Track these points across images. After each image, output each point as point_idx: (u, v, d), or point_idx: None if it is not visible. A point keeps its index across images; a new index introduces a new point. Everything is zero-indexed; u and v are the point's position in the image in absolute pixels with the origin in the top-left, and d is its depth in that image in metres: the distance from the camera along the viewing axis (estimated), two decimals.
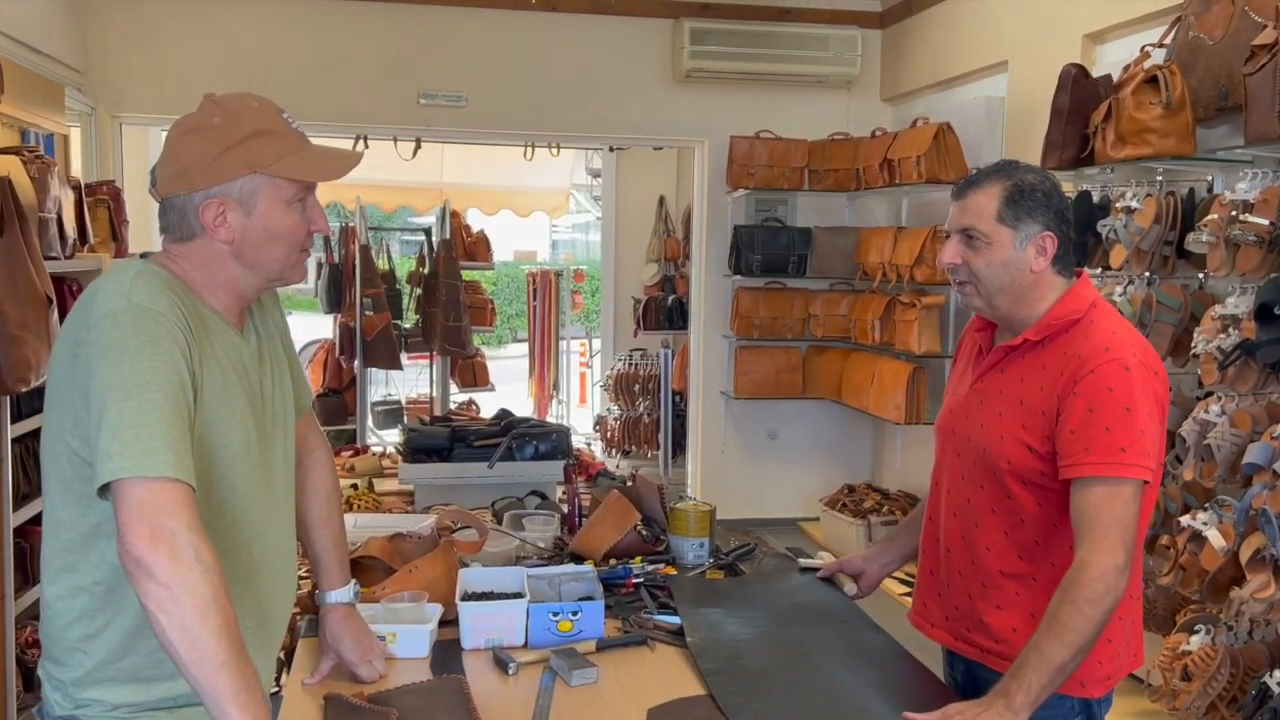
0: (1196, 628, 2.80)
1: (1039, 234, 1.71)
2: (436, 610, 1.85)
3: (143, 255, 1.46)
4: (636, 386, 6.92)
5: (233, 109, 1.43)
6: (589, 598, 1.92)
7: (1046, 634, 1.54)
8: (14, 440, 2.96)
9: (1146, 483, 1.60)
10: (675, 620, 1.92)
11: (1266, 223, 2.64)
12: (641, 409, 6.92)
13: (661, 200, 7.23)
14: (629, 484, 2.59)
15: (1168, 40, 3.22)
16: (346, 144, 5.24)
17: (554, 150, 5.76)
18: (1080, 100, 3.34)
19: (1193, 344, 2.85)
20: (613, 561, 2.23)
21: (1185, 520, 2.80)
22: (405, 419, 6.13)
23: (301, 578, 2.05)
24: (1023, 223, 1.70)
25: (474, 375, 6.81)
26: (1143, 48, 3.23)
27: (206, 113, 1.43)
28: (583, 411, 8.96)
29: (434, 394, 6.77)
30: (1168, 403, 1.69)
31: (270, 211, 1.43)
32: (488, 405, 5.43)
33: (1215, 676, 2.69)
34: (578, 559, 2.24)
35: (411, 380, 7.61)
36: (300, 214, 1.47)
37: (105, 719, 1.40)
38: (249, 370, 1.50)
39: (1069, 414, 1.62)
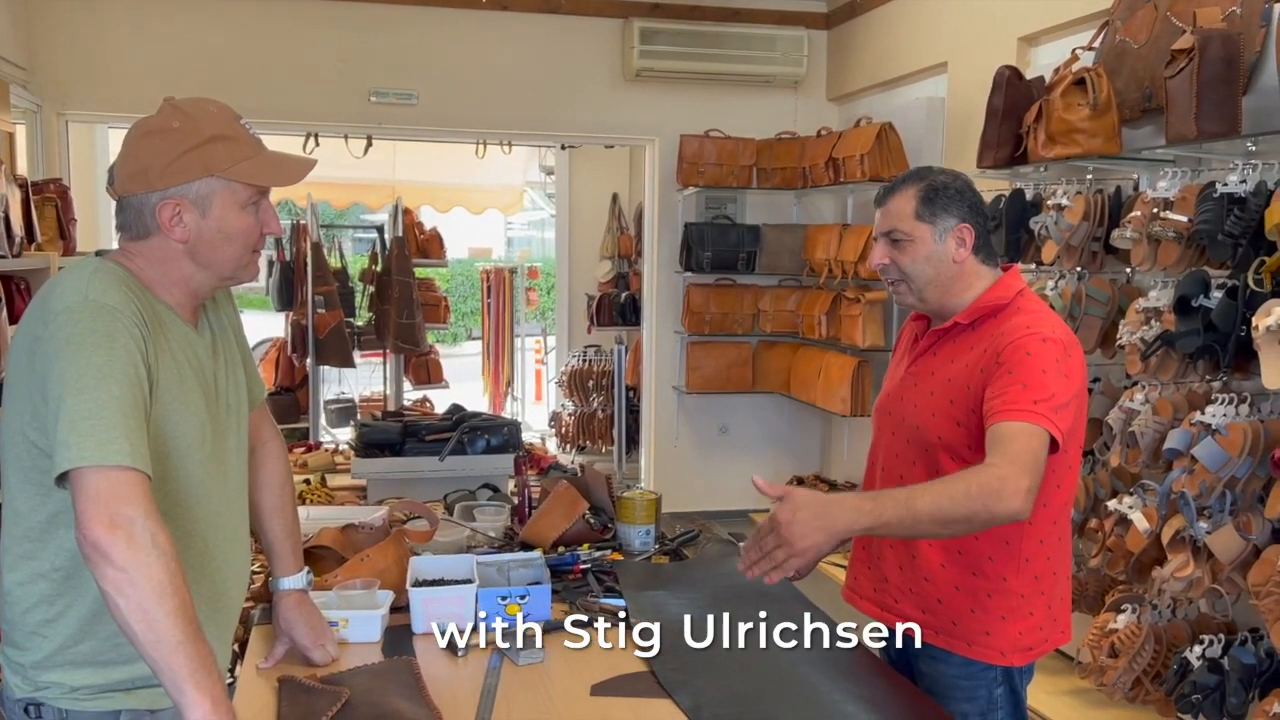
0: (1123, 607, 2.93)
1: (956, 226, 1.82)
2: (388, 596, 1.91)
3: (98, 253, 1.51)
4: (590, 382, 6.99)
5: (192, 113, 1.47)
6: (537, 583, 1.98)
7: (929, 486, 1.58)
8: None
9: (1055, 442, 1.64)
10: (621, 603, 1.99)
11: (1185, 219, 2.77)
12: (596, 404, 6.99)
13: (615, 197, 7.30)
14: (578, 475, 2.66)
15: (1096, 44, 3.35)
16: (297, 142, 5.25)
17: (505, 148, 5.81)
18: (1014, 101, 3.47)
19: (1118, 336, 2.98)
20: (561, 549, 2.29)
21: (1112, 504, 2.93)
22: (359, 416, 6.14)
23: (255, 572, 2.09)
24: (939, 218, 1.81)
25: (428, 373, 6.83)
26: (1073, 51, 3.36)
27: (166, 116, 1.47)
28: (538, 408, 9.00)
29: (387, 392, 6.78)
30: (1084, 383, 1.78)
31: (225, 213, 1.48)
32: (442, 402, 5.45)
33: (1140, 653, 2.82)
34: (528, 547, 2.31)
35: (365, 378, 7.60)
36: (254, 216, 1.52)
37: (64, 700, 1.45)
38: (203, 364, 1.55)
39: (993, 382, 1.72)
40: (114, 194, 1.48)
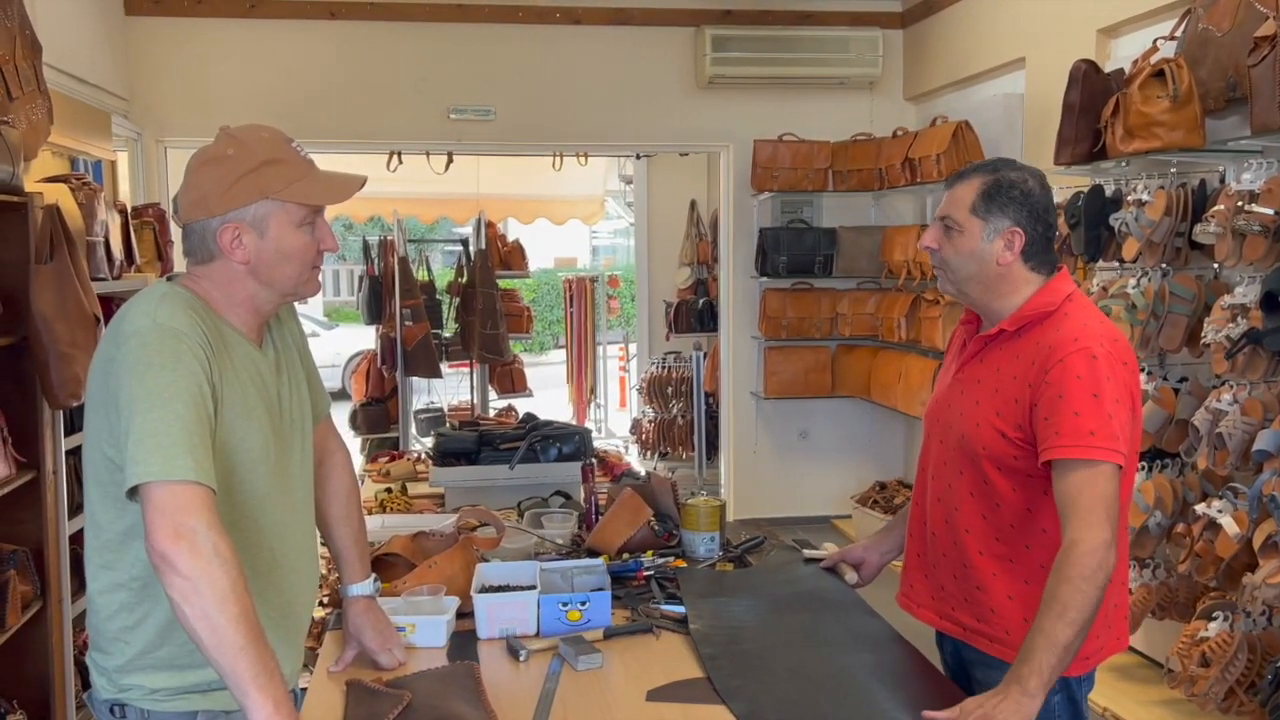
0: (1214, 614, 2.83)
1: (1008, 228, 1.78)
2: (454, 603, 1.95)
3: (169, 278, 1.60)
4: (669, 389, 7.00)
5: (245, 140, 1.55)
6: (600, 589, 2.01)
7: (1048, 614, 1.58)
8: (68, 452, 3.12)
9: (1120, 466, 1.64)
10: (682, 610, 2.00)
11: (1271, 212, 2.67)
12: (675, 411, 7.00)
13: (693, 204, 7.31)
14: (644, 482, 2.68)
15: (1178, 33, 3.25)
16: (380, 160, 5.40)
17: (581, 159, 5.87)
18: (1091, 95, 3.38)
19: (1203, 333, 2.88)
20: (626, 556, 2.32)
21: (1200, 508, 2.83)
22: (446, 425, 6.26)
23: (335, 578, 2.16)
24: (994, 216, 1.78)
25: (512, 382, 6.94)
26: (1154, 41, 3.26)
27: (221, 145, 1.55)
28: (622, 415, 9.06)
29: (474, 401, 6.91)
30: (1139, 392, 1.74)
31: (282, 233, 1.55)
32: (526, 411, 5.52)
33: (1233, 662, 2.72)
34: (594, 554, 2.34)
35: (453, 388, 7.75)
36: (310, 235, 1.59)
37: (145, 702, 1.53)
38: (267, 381, 1.62)
39: (1042, 402, 1.69)
40: (178, 222, 1.56)
